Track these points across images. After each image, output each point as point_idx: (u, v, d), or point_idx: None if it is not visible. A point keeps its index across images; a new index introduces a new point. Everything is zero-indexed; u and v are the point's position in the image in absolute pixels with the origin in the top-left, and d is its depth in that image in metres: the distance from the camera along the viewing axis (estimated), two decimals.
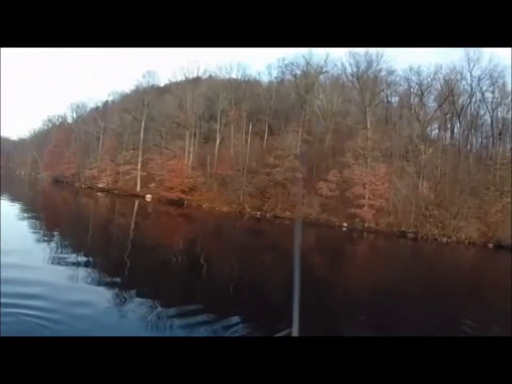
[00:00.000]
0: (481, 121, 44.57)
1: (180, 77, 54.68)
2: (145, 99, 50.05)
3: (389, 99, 47.63)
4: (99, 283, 10.02)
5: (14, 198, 32.51)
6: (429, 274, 18.69)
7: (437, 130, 47.18)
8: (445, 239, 35.35)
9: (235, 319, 8.32)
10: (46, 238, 16.22)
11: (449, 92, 43.49)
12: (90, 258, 12.75)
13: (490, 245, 33.67)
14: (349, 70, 46.78)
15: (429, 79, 44.73)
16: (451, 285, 16.25)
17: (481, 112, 44.02)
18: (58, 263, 11.66)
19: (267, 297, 11.03)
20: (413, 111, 44.67)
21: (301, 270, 2.39)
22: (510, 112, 41.95)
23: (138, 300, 8.97)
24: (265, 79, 53.34)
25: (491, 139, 44.24)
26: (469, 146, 44.64)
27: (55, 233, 17.99)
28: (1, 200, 27.32)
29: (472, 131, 44.92)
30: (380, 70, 45.04)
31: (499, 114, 43.18)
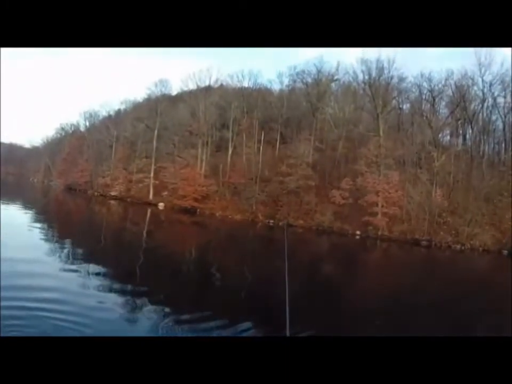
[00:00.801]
0: (493, 126, 44.23)
1: (191, 86, 55.26)
2: (158, 108, 50.52)
3: (401, 106, 47.51)
4: (111, 290, 10.11)
5: (27, 206, 33.03)
6: (443, 282, 18.56)
7: (449, 137, 46.94)
8: (458, 247, 35.00)
9: (245, 325, 8.39)
10: (58, 246, 16.38)
11: (460, 97, 43.23)
12: (103, 267, 12.83)
13: (505, 252, 33.28)
14: (360, 77, 46.82)
15: (440, 85, 44.55)
16: (465, 292, 16.10)
17: (493, 117, 43.75)
18: (71, 271, 11.74)
19: (275, 303, 11.04)
20: (425, 117, 44.48)
21: (290, 271, 2.43)
22: None
23: (150, 307, 9.07)
24: (276, 87, 53.63)
25: (503, 144, 43.88)
26: (481, 152, 44.30)
27: (68, 241, 18.11)
28: (14, 208, 27.77)
29: (485, 137, 44.59)
30: (392, 77, 44.98)
31: (511, 119, 42.82)
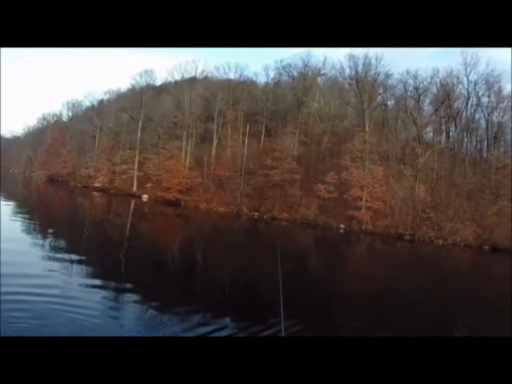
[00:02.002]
0: (476, 125, 44.98)
1: (177, 77, 54.64)
2: (142, 98, 49.81)
3: (386, 102, 47.87)
4: (93, 283, 9.90)
5: (7, 197, 32.11)
6: (425, 276, 18.82)
7: (432, 134, 47.54)
8: (441, 241, 35.58)
9: (228, 319, 8.37)
10: (40, 239, 15.99)
11: (445, 95, 43.78)
12: (85, 258, 12.62)
13: (486, 247, 33.94)
14: (347, 72, 46.94)
15: (425, 83, 45.00)
16: (447, 285, 16.42)
17: (476, 116, 44.49)
18: (52, 262, 11.51)
19: (259, 296, 11.23)
20: (410, 114, 44.92)
21: (274, 264, 2.42)
22: (506, 116, 42.37)
23: (132, 298, 8.96)
24: (262, 80, 53.48)
25: (485, 143, 44.67)
26: (464, 150, 45.02)
27: (49, 233, 17.64)
28: None
29: (468, 135, 45.32)
30: (378, 74, 45.25)
31: (494, 119, 43.59)
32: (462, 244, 35.06)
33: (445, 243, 35.34)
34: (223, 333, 7.36)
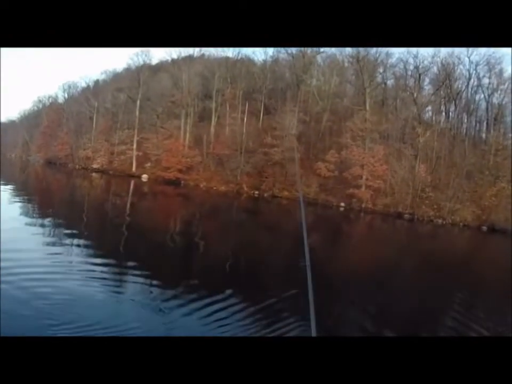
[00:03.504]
0: (476, 106, 44.85)
1: (174, 55, 53.86)
2: (140, 78, 49.19)
3: (386, 81, 47.55)
4: (94, 263, 9.69)
5: (5, 182, 31.63)
6: (424, 254, 18.98)
7: (431, 113, 47.35)
8: (440, 221, 35.71)
9: (227, 293, 8.31)
10: (40, 221, 15.50)
11: (446, 76, 43.50)
12: (86, 241, 12.37)
13: (484, 228, 34.13)
14: (347, 50, 46.38)
15: (426, 62, 44.63)
16: (444, 264, 16.49)
17: (477, 97, 44.31)
18: (54, 245, 11.36)
19: (260, 273, 11.31)
20: (410, 93, 44.66)
21: (314, 270, 2.36)
22: (507, 98, 42.22)
23: (134, 278, 8.82)
24: (260, 58, 52.84)
25: (485, 123, 44.60)
26: (464, 131, 44.94)
27: (49, 216, 17.21)
28: None
29: (468, 116, 45.20)
30: (380, 53, 44.76)
31: (495, 100, 43.45)
32: (460, 224, 35.21)
33: (444, 223, 35.50)
34: (220, 305, 7.43)
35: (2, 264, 7.88)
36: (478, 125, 45.97)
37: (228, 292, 8.37)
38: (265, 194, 38.99)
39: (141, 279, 8.72)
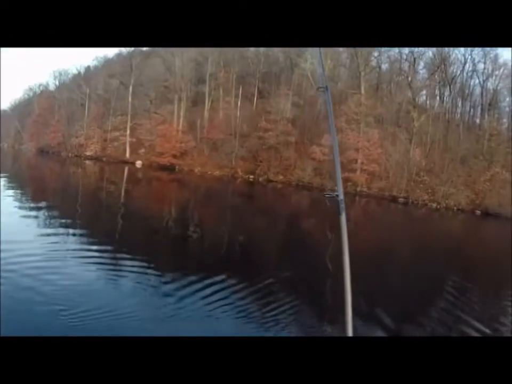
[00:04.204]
0: (471, 90, 44.91)
1: None
2: (132, 63, 48.53)
3: (380, 65, 47.37)
4: (90, 250, 9.61)
5: None
6: (418, 237, 19.21)
7: (425, 97, 47.35)
8: (434, 205, 35.90)
9: (225, 274, 8.43)
10: (34, 210, 15.18)
11: (441, 60, 43.39)
12: (82, 229, 12.24)
13: (478, 212, 34.39)
14: None
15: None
16: (438, 247, 16.69)
17: (472, 82, 44.33)
18: (48, 235, 11.07)
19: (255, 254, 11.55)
20: (405, 77, 44.53)
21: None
22: (502, 83, 42.26)
23: (130, 263, 8.79)
24: None
25: (479, 108, 44.69)
26: (458, 115, 45.01)
27: (43, 204, 16.89)
28: None
29: (462, 100, 45.23)
30: None
31: (489, 85, 43.48)
32: (455, 208, 35.48)
33: (438, 206, 35.71)
34: (215, 288, 7.52)
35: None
36: (472, 110, 46.10)
37: (226, 273, 8.50)
38: (260, 179, 38.88)
39: (139, 263, 8.79)
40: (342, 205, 2.23)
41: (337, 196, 2.25)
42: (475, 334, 6.52)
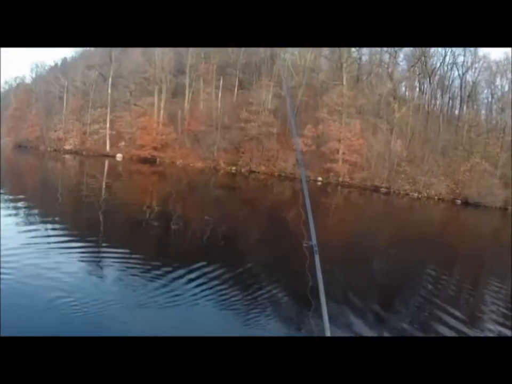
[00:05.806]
0: (450, 83, 45.55)
1: None
2: (111, 54, 47.49)
3: (361, 56, 47.59)
4: (71, 246, 9.55)
5: None
6: (400, 226, 19.62)
7: (407, 89, 47.79)
8: (415, 195, 36.43)
9: (201, 263, 8.67)
10: (13, 208, 14.79)
11: (422, 52, 43.83)
12: (62, 224, 12.22)
13: (458, 202, 35.12)
14: None
15: None
16: (419, 235, 17.08)
17: (451, 74, 44.99)
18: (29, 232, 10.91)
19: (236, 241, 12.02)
20: (386, 68, 44.83)
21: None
22: (481, 75, 42.95)
23: (113, 255, 8.90)
24: None
25: (458, 100, 45.40)
26: (438, 107, 45.62)
27: (22, 201, 16.43)
28: None
29: (442, 92, 45.86)
30: None
31: (468, 78, 44.17)
32: (435, 197, 36.11)
33: (419, 196, 36.30)
34: (194, 275, 7.79)
35: None
36: (451, 101, 46.78)
37: (207, 260, 8.87)
38: (242, 170, 38.69)
39: (121, 253, 9.02)
40: (316, 248, 2.51)
41: (311, 245, 2.53)
42: (451, 321, 6.63)
